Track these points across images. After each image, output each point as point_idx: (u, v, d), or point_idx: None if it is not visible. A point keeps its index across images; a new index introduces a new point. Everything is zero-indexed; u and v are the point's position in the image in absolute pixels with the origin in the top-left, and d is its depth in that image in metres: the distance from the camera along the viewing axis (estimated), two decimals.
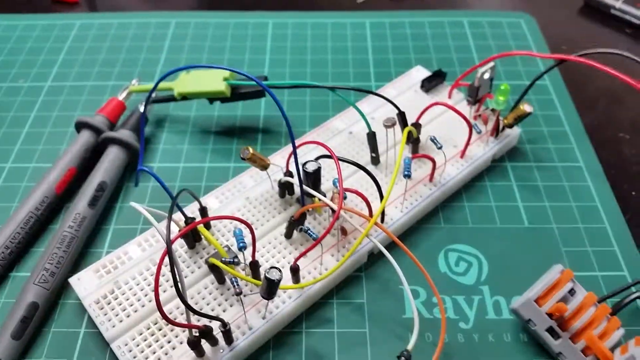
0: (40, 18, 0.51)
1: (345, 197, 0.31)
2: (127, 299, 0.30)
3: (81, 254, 0.34)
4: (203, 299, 0.30)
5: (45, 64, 0.46)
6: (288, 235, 0.32)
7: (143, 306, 0.30)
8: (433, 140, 0.34)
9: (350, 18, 0.50)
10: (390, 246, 0.31)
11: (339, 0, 0.53)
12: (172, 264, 0.23)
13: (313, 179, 0.31)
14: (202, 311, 0.29)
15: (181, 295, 0.24)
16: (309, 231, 0.31)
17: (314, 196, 0.31)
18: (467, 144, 0.36)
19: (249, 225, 0.28)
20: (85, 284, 0.31)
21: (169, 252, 0.24)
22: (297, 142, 0.32)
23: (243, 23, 0.50)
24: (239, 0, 0.54)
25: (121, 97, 0.40)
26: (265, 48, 0.47)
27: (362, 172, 0.33)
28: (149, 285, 0.31)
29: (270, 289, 0.27)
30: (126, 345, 0.29)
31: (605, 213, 0.36)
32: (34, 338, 0.30)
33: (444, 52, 0.47)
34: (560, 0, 0.54)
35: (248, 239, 0.30)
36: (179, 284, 0.24)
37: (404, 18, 0.50)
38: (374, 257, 0.33)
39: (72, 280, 0.31)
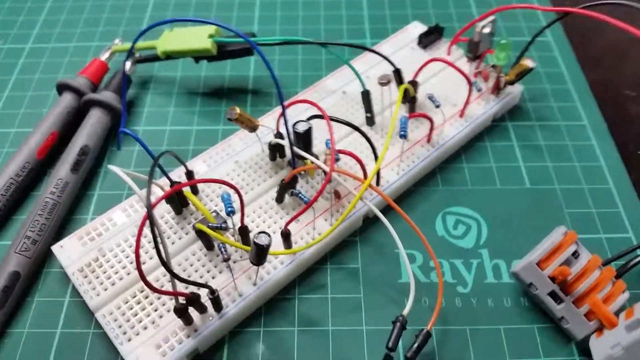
0: None
1: (338, 159, 0.30)
2: (112, 267, 0.29)
3: (65, 221, 0.33)
4: (191, 265, 0.29)
5: (25, 25, 0.44)
6: (279, 199, 0.31)
7: (129, 274, 0.29)
8: (431, 98, 0.33)
9: None
10: (386, 210, 0.29)
11: None
12: (153, 228, 0.22)
13: (304, 140, 0.30)
14: (190, 278, 0.28)
15: (164, 261, 0.23)
16: (300, 194, 0.29)
17: (306, 158, 0.30)
18: (467, 102, 0.34)
19: (236, 189, 0.27)
20: (69, 251, 0.30)
21: (149, 215, 0.22)
22: (287, 102, 0.31)
23: None
24: None
25: (104, 57, 0.38)
26: (255, 4, 0.45)
27: (356, 134, 0.31)
28: (134, 252, 0.29)
29: (259, 254, 0.25)
30: (111, 314, 0.27)
31: (610, 173, 0.34)
32: (16, 308, 0.29)
33: (443, 7, 0.45)
34: None
35: (237, 204, 0.28)
36: (161, 250, 0.23)
37: None
38: (369, 221, 0.32)
39: (55, 248, 0.30)
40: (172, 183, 0.30)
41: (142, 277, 0.23)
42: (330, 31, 0.43)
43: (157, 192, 0.30)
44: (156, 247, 0.22)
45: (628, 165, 0.35)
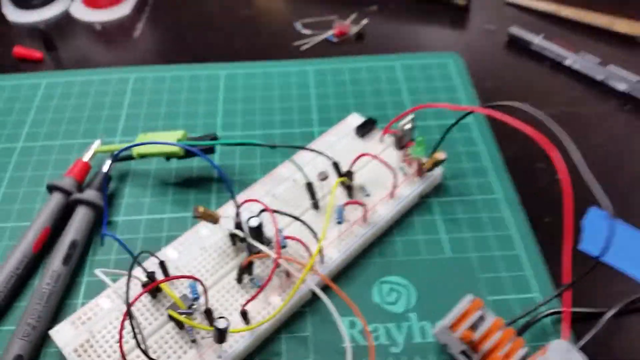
0: (7, 79, 0.55)
1: (285, 246, 0.36)
2: (101, 346, 0.34)
3: (59, 306, 0.38)
4: (166, 343, 0.35)
5: (16, 125, 0.50)
6: (239, 280, 0.37)
7: (115, 352, 0.34)
8: (362, 188, 0.39)
9: (294, 67, 0.55)
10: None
11: (285, 47, 0.58)
12: (132, 323, 0.28)
13: (256, 232, 0.36)
14: (165, 353, 0.34)
15: (142, 350, 0.29)
16: (253, 280, 0.35)
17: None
18: (394, 186, 0.41)
19: (199, 281, 0.33)
20: (64, 334, 0.35)
21: (128, 313, 0.28)
22: (243, 197, 0.37)
23: (197, 75, 0.54)
24: (193, 52, 0.58)
25: (86, 157, 0.45)
26: (218, 99, 0.52)
27: (305, 217, 0.37)
28: (118, 333, 0.35)
29: (220, 335, 0.31)
30: None
31: (520, 240, 0.41)
32: None
33: (379, 96, 0.52)
34: (487, 36, 0.59)
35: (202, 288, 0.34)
36: (139, 340, 0.28)
37: (343, 64, 0.55)
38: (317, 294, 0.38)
39: (52, 332, 0.35)
40: (148, 274, 0.36)
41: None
42: (284, 121, 0.50)
43: (135, 281, 0.36)
44: (135, 337, 0.28)
45: (536, 231, 0.41)
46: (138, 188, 0.45)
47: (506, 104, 0.39)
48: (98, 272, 0.30)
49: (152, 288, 0.36)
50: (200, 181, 0.46)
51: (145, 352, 0.29)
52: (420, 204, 0.43)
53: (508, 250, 0.40)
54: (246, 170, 0.46)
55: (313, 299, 0.38)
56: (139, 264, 0.35)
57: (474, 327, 0.33)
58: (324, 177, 0.38)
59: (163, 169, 0.46)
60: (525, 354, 0.33)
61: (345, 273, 0.39)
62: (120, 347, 0.28)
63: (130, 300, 0.29)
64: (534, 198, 0.44)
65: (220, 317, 0.31)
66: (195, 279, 0.33)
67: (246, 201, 0.38)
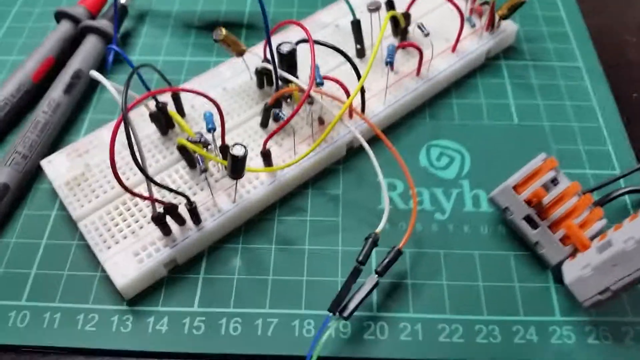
0: None
1: (322, 83, 0.30)
2: (97, 181, 0.30)
3: (57, 141, 0.33)
4: (173, 182, 0.29)
5: None
6: (264, 123, 0.31)
7: (112, 188, 0.29)
8: (420, 27, 0.32)
9: None
10: (370, 140, 0.29)
11: None
12: (127, 127, 0.22)
13: (288, 62, 0.30)
14: (171, 194, 0.28)
15: (137, 161, 0.23)
16: (279, 114, 0.29)
17: (290, 81, 0.30)
18: (459, 36, 0.34)
19: (216, 105, 0.27)
20: (57, 166, 0.30)
21: (124, 117, 0.23)
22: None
23: None
24: None
25: None
26: None
27: (344, 67, 0.31)
28: (119, 169, 0.30)
29: (235, 166, 0.26)
30: (93, 224, 0.28)
31: (602, 113, 0.34)
32: (6, 219, 0.30)
33: None
34: None
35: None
36: (135, 149, 0.23)
37: None
38: (353, 151, 0.32)
39: (44, 162, 0.30)
40: (158, 103, 0.30)
41: (115, 173, 0.23)
42: None
43: (142, 112, 0.31)
44: (129, 145, 0.23)
45: (621, 106, 0.34)
46: (157, 29, 0.39)
47: None
48: (94, 72, 0.25)
49: (163, 123, 0.31)
50: (227, 26, 0.38)
51: (139, 165, 0.23)
52: (486, 65, 0.36)
53: (588, 122, 0.33)
54: (281, 18, 0.39)
55: (348, 156, 0.32)
56: (140, 78, 0.29)
57: (544, 188, 0.27)
58: (376, 7, 0.32)
59: (186, 11, 0.40)
60: (603, 227, 0.27)
61: (389, 131, 0.33)
62: (111, 154, 0.23)
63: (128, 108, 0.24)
64: (621, 72, 0.36)
65: (237, 144, 0.25)
66: (211, 100, 0.27)
67: (281, 24, 0.31)
